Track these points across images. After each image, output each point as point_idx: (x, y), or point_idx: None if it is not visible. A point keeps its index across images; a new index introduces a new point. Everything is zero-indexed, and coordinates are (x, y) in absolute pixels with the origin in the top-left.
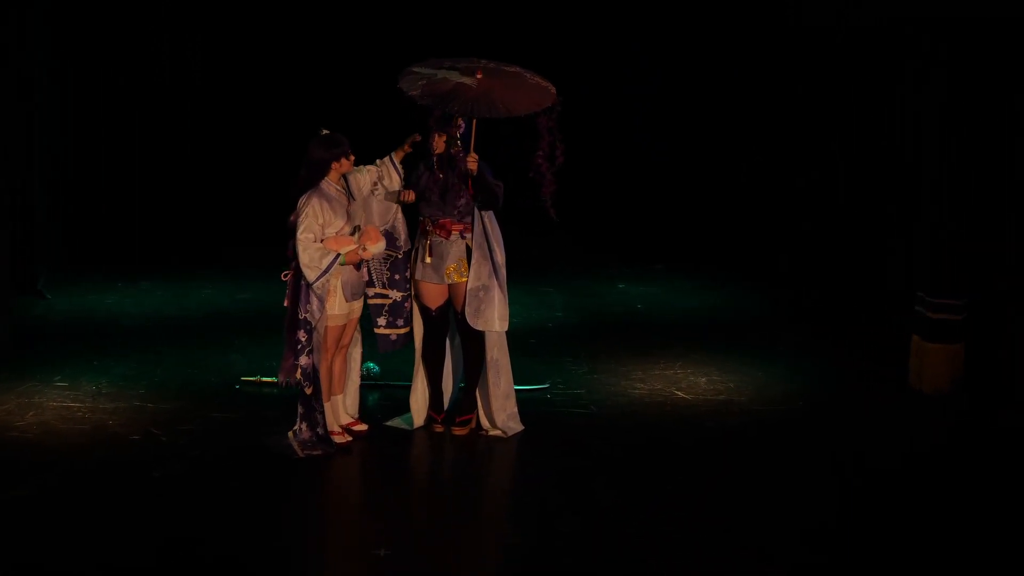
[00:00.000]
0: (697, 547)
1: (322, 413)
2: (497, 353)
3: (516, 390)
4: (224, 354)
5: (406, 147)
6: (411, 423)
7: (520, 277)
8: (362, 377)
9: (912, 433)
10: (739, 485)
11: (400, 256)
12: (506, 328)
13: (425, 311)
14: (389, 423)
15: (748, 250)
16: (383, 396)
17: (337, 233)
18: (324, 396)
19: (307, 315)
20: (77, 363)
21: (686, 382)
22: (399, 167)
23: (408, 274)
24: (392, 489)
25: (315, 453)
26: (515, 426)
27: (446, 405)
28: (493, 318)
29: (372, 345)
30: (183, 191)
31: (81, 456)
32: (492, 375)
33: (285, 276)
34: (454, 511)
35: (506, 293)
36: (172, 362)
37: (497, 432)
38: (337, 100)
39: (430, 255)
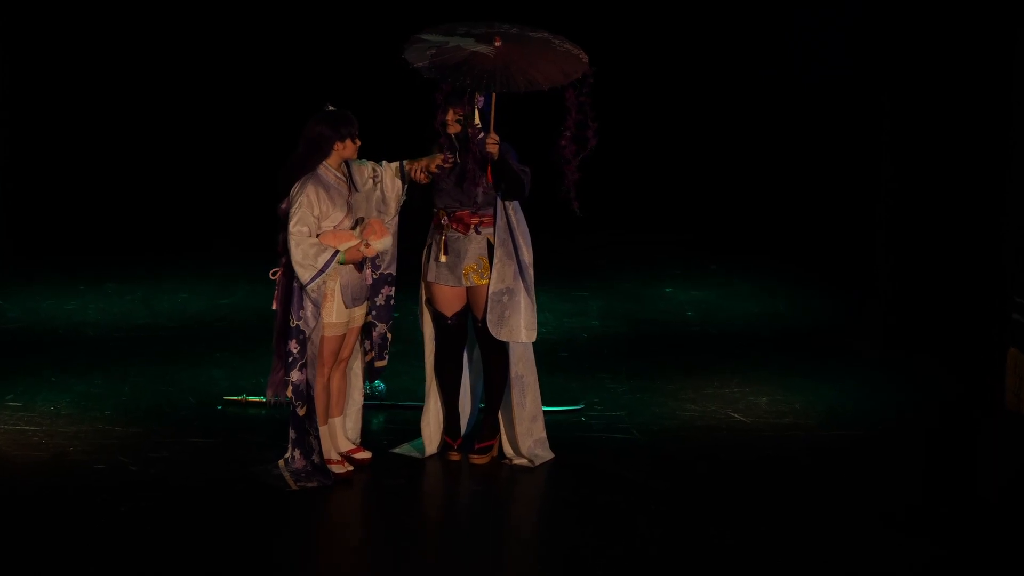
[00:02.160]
0: None
1: (318, 438)
2: (523, 368)
3: (545, 411)
4: (203, 369)
5: (433, 167)
6: (422, 450)
7: (550, 279)
8: (365, 396)
9: (1008, 464)
10: (802, 527)
11: (376, 277)
12: (534, 339)
13: (439, 319)
14: (397, 450)
15: (819, 248)
16: (390, 418)
17: (335, 227)
18: (320, 418)
19: (300, 322)
20: (32, 380)
21: (744, 403)
22: (405, 176)
23: (381, 301)
24: (399, 528)
25: (310, 485)
26: (543, 454)
27: (463, 429)
28: (519, 327)
29: None
30: (180, 188)
31: (37, 487)
32: (517, 394)
33: (274, 275)
34: (471, 554)
35: (534, 298)
36: (143, 379)
37: (522, 461)
38: (339, 97)
39: (445, 253)
